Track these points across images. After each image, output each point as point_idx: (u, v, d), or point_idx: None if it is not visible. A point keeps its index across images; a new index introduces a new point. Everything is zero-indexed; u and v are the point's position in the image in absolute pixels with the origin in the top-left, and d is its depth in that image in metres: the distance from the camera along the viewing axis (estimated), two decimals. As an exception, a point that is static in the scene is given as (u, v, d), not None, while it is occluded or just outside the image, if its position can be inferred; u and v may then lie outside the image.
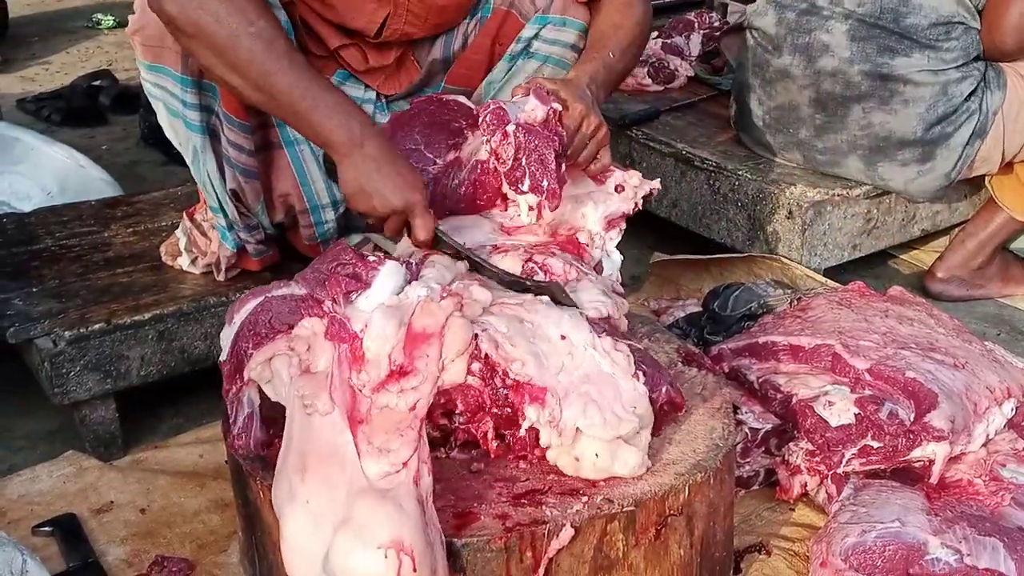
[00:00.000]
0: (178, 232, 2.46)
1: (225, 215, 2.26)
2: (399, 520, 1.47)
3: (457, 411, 1.67)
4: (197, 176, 2.26)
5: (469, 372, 1.63)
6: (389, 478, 1.51)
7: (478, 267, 1.87)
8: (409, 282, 1.72)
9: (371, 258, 1.74)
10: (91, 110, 4.65)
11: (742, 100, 3.13)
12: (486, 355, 1.63)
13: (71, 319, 2.20)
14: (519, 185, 1.93)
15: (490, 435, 1.68)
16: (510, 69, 2.37)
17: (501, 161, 1.93)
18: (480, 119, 1.95)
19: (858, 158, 2.93)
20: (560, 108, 1.97)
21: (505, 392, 1.64)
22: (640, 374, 1.69)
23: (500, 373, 1.63)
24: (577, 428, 1.63)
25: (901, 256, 3.35)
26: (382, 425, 1.55)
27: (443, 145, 1.98)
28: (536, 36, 2.35)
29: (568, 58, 2.35)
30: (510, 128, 1.91)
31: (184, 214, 2.44)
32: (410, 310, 1.64)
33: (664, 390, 1.75)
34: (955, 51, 2.80)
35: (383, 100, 2.43)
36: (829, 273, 2.93)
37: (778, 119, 3.02)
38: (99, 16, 6.30)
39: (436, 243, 1.89)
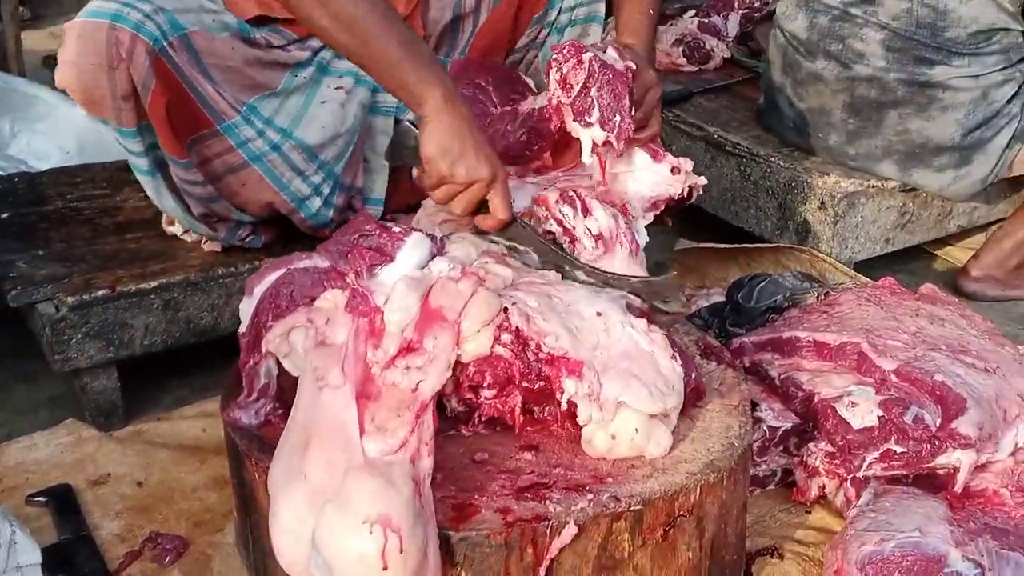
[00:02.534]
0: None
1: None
2: (387, 496, 1.41)
3: (485, 385, 1.63)
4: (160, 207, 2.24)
5: (500, 344, 1.60)
6: (387, 458, 1.46)
7: (556, 258, 1.82)
8: (434, 256, 1.68)
9: (396, 229, 1.69)
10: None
11: (771, 99, 3.05)
12: (517, 328, 1.60)
13: (75, 284, 2.16)
14: (585, 116, 1.87)
15: (517, 410, 1.65)
16: (560, 38, 2.38)
17: (568, 88, 1.87)
18: (555, 51, 1.92)
19: (892, 163, 2.85)
20: (634, 67, 1.93)
21: (539, 366, 1.61)
22: (676, 356, 1.67)
23: (533, 347, 1.60)
24: (620, 402, 1.59)
25: (935, 252, 3.26)
26: (386, 403, 1.50)
27: (504, 96, 1.99)
28: (574, 6, 2.38)
29: (598, 11, 2.39)
30: (586, 56, 1.87)
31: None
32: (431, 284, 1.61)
33: (693, 376, 1.72)
34: (996, 54, 2.72)
35: None
36: (860, 267, 2.87)
37: (808, 123, 2.94)
38: (132, -26, 6.23)
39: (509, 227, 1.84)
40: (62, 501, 2.00)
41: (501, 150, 1.93)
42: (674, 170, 1.98)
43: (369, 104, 2.28)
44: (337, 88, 2.25)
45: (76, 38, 2.03)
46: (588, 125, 1.89)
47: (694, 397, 1.74)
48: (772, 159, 2.93)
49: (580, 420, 1.62)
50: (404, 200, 2.44)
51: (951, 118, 2.75)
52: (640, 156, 2.00)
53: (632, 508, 1.55)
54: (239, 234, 2.30)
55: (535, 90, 2.11)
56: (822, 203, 2.81)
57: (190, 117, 2.11)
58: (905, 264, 3.15)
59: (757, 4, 3.78)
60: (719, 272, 2.89)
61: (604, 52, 1.93)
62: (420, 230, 1.73)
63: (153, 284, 2.19)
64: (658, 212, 2.02)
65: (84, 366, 2.16)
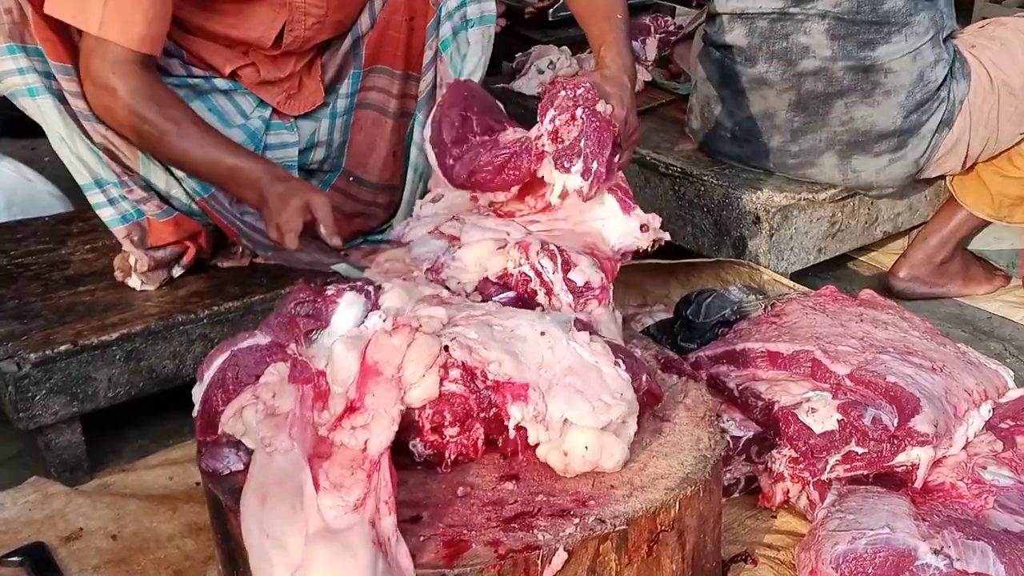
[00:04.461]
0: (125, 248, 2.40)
1: (104, 184, 2.23)
2: (344, 563, 1.43)
3: (446, 424, 1.66)
4: (65, 154, 2.22)
5: (451, 380, 1.63)
6: (344, 517, 1.48)
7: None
8: (370, 311, 1.72)
9: (329, 291, 1.74)
10: (31, 121, 4.52)
11: (707, 114, 3.10)
12: (463, 362, 1.63)
13: (35, 341, 2.13)
14: (564, 163, 1.92)
15: (480, 443, 1.68)
16: (455, 40, 2.39)
17: (558, 142, 1.92)
18: (552, 94, 1.97)
19: (834, 154, 2.92)
20: (622, 117, 2.00)
21: (488, 394, 1.64)
22: (620, 362, 1.69)
23: (480, 376, 1.63)
24: (565, 420, 1.62)
25: (860, 258, 3.37)
26: (338, 460, 1.54)
27: (484, 124, 2.08)
28: (462, 3, 2.39)
29: (491, 9, 2.41)
30: (579, 112, 1.92)
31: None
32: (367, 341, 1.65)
33: (644, 379, 1.74)
34: (925, 22, 2.82)
35: (291, 120, 2.45)
36: (794, 277, 2.93)
37: (749, 130, 3.00)
38: (34, 24, 6.13)
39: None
40: (38, 560, 1.98)
41: (472, 173, 2.01)
42: (643, 227, 2.02)
43: None
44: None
45: None
46: (565, 171, 1.93)
47: (650, 401, 1.77)
48: (705, 177, 2.99)
49: (531, 441, 1.66)
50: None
51: (893, 102, 2.84)
52: (611, 206, 2.03)
53: (617, 528, 1.58)
54: (149, 195, 2.28)
55: (508, 120, 2.15)
56: (757, 218, 2.88)
57: (71, 43, 2.16)
58: (833, 272, 3.24)
59: (672, 28, 3.86)
60: (660, 289, 2.95)
61: (595, 96, 1.97)
62: (354, 287, 1.76)
63: (115, 335, 2.17)
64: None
65: (49, 422, 2.14)
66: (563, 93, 1.96)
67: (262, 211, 2.09)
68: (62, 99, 2.17)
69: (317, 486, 1.50)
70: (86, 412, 2.19)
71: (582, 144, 1.90)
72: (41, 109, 2.17)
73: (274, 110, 2.44)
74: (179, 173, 2.26)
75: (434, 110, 2.15)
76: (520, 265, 1.89)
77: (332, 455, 1.54)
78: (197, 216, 2.33)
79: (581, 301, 1.88)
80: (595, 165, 1.91)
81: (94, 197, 2.24)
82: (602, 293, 1.89)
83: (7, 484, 2.22)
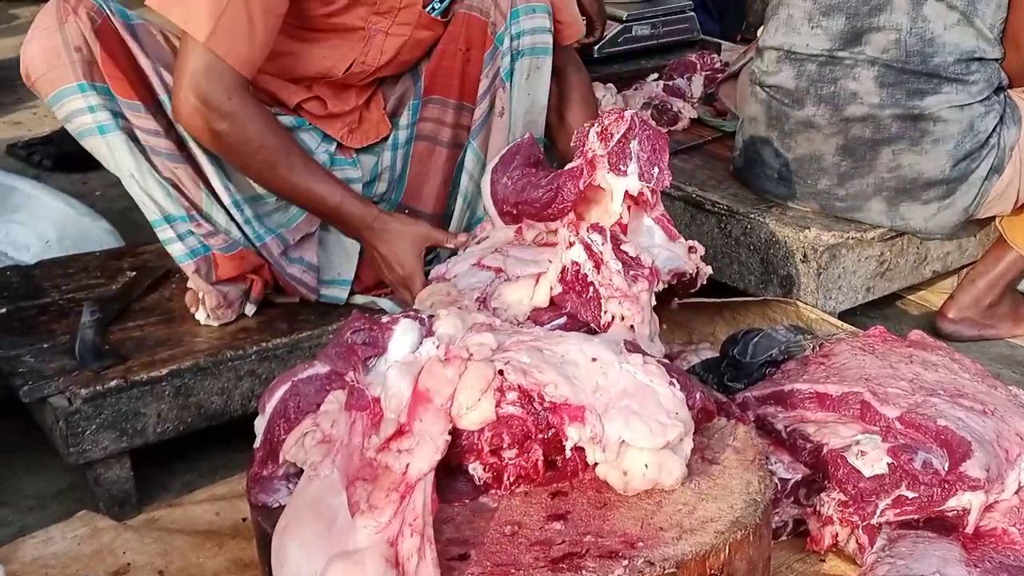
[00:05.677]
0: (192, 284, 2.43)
1: (173, 219, 2.24)
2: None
3: (505, 446, 1.68)
4: (135, 192, 2.23)
5: (509, 403, 1.66)
6: (372, 538, 1.50)
7: None
8: (425, 337, 1.74)
9: (384, 319, 1.77)
10: (83, 155, 4.47)
11: (753, 154, 3.10)
12: (519, 385, 1.65)
13: (86, 376, 2.16)
14: (620, 166, 1.96)
15: (540, 463, 1.70)
16: (512, 72, 2.41)
17: (607, 140, 1.96)
18: (608, 110, 2.05)
19: (881, 200, 2.91)
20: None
21: (545, 415, 1.66)
22: (675, 382, 1.71)
23: (536, 398, 1.66)
24: (623, 441, 1.64)
25: (909, 297, 3.34)
26: (381, 484, 1.55)
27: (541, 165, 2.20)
28: (518, 35, 2.40)
29: (545, 42, 2.42)
30: (627, 113, 1.99)
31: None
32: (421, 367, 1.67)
33: (698, 397, 1.76)
34: (980, 83, 2.82)
35: (354, 155, 2.46)
36: (842, 317, 2.91)
37: (795, 171, 2.99)
38: (86, 59, 6.23)
39: None
40: (85, 595, 2.00)
41: (525, 202, 2.10)
42: (691, 249, 2.04)
43: None
44: None
45: (33, 21, 2.16)
46: (622, 174, 1.96)
47: (703, 418, 1.79)
48: (752, 215, 2.98)
49: (589, 462, 1.67)
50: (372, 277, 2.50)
51: (942, 150, 2.82)
52: (657, 233, 2.06)
53: (666, 571, 1.57)
54: (216, 231, 2.30)
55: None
56: (805, 256, 2.87)
57: (138, 82, 2.20)
58: (882, 310, 3.22)
59: (718, 65, 3.87)
60: (706, 328, 2.93)
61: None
62: (410, 314, 1.79)
63: (164, 371, 2.20)
64: (667, 285, 2.08)
65: (99, 457, 2.16)
66: (616, 103, 2.02)
67: (372, 261, 2.31)
68: (131, 136, 2.19)
69: (356, 508, 1.51)
70: (135, 447, 2.21)
71: (633, 146, 1.95)
72: (111, 147, 2.19)
73: (339, 145, 2.47)
74: (239, 216, 2.31)
75: (513, 144, 2.24)
76: (569, 244, 1.91)
77: (377, 478, 1.55)
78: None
79: (631, 275, 1.88)
80: (656, 170, 1.94)
81: (163, 233, 2.26)
82: (652, 275, 1.89)
83: (56, 518, 2.24)
